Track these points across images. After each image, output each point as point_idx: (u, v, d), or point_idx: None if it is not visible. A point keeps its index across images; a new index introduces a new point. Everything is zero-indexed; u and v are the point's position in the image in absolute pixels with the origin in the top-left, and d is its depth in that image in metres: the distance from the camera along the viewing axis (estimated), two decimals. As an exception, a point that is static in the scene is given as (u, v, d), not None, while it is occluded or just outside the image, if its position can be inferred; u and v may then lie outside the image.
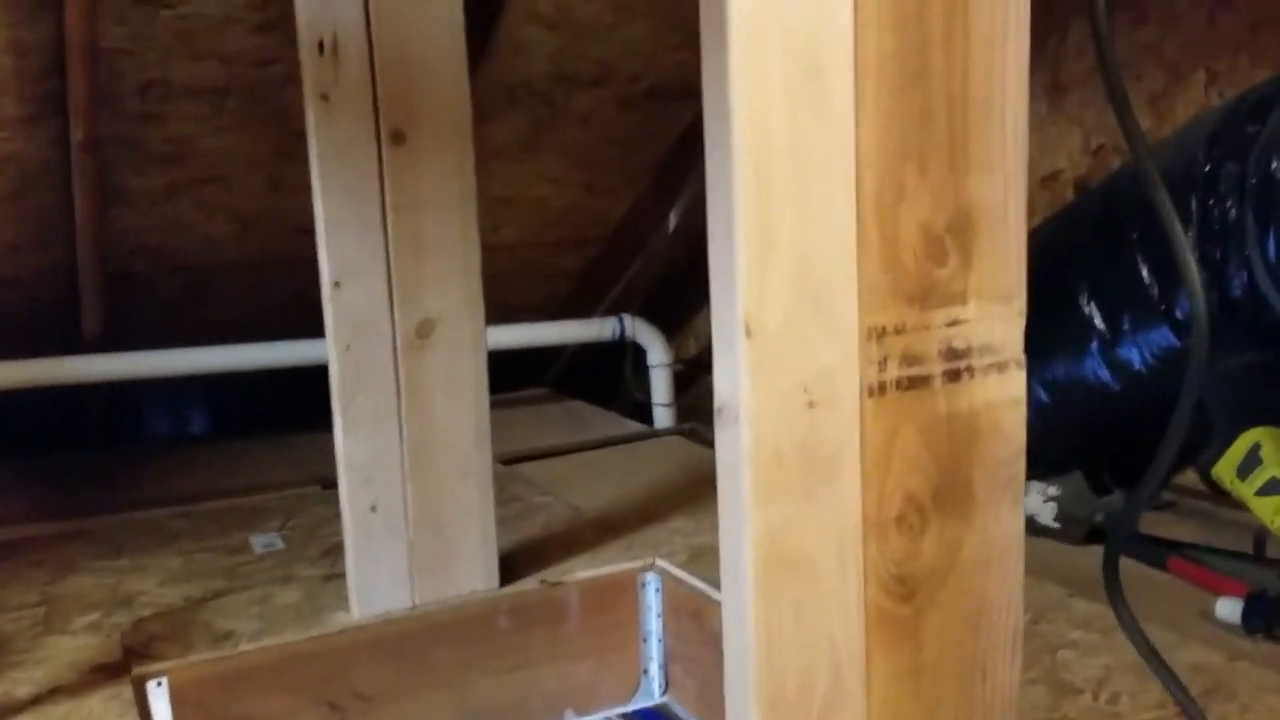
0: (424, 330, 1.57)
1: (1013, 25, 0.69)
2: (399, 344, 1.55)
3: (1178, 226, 1.01)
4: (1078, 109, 1.94)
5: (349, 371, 1.53)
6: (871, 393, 0.67)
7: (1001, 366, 0.72)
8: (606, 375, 3.10)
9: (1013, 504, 0.73)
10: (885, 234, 0.66)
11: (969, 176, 0.68)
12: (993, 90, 0.68)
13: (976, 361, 0.71)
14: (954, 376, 0.70)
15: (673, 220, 2.56)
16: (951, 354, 0.70)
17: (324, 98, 1.48)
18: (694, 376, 3.16)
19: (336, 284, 1.52)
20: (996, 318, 0.71)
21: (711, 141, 0.64)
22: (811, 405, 0.65)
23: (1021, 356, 0.73)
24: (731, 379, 0.64)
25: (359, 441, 1.55)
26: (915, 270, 0.68)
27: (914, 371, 0.68)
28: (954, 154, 0.68)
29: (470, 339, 1.60)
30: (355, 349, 1.54)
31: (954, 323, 0.70)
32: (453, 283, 1.58)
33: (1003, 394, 0.72)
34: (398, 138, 1.53)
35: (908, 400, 0.68)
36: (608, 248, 2.84)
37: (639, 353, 2.80)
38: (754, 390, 0.63)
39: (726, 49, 0.61)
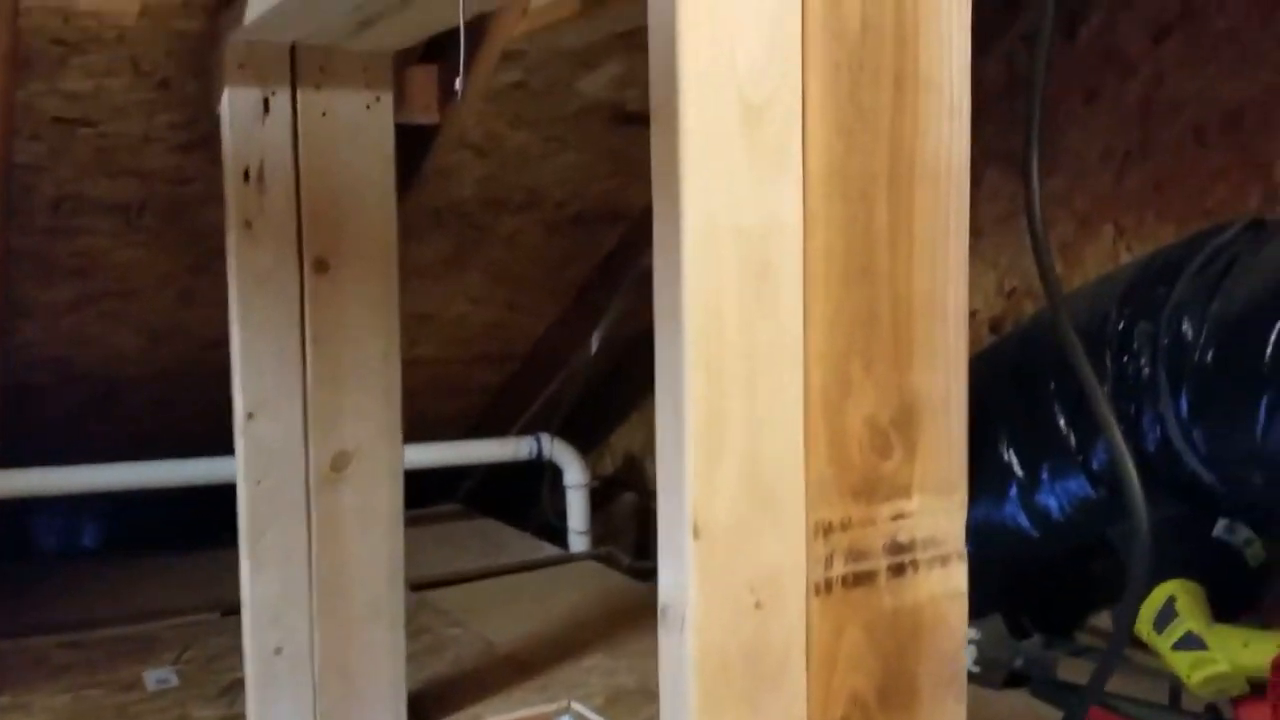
0: (339, 463, 1.53)
1: (954, 223, 0.70)
2: (312, 478, 1.51)
3: (1095, 384, 1.04)
4: (992, 252, 1.99)
5: (259, 506, 1.48)
6: (818, 591, 0.66)
7: (945, 560, 0.71)
8: (521, 492, 3.05)
9: (956, 700, 0.72)
10: (832, 429, 0.66)
11: (912, 371, 0.69)
12: (935, 286, 0.69)
13: (920, 555, 0.70)
14: (898, 571, 0.69)
15: (595, 342, 2.55)
16: (896, 548, 0.69)
17: (247, 225, 1.46)
18: (611, 493, 3.14)
19: (250, 415, 1.47)
20: (939, 510, 0.71)
21: (663, 339, 0.63)
22: (758, 606, 0.63)
23: (964, 549, 0.72)
24: (678, 580, 0.62)
25: (267, 579, 1.49)
26: (861, 464, 0.67)
27: (860, 567, 0.67)
28: (898, 349, 0.68)
29: (387, 472, 1.56)
30: (266, 483, 1.49)
31: (898, 516, 0.69)
32: (371, 413, 1.54)
33: (946, 587, 0.71)
34: (321, 266, 1.51)
35: (854, 597, 0.67)
36: (527, 364, 2.82)
37: (556, 472, 2.77)
38: (701, 593, 0.61)
39: (681, 251, 0.61)
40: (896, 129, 0.66)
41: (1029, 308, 1.95)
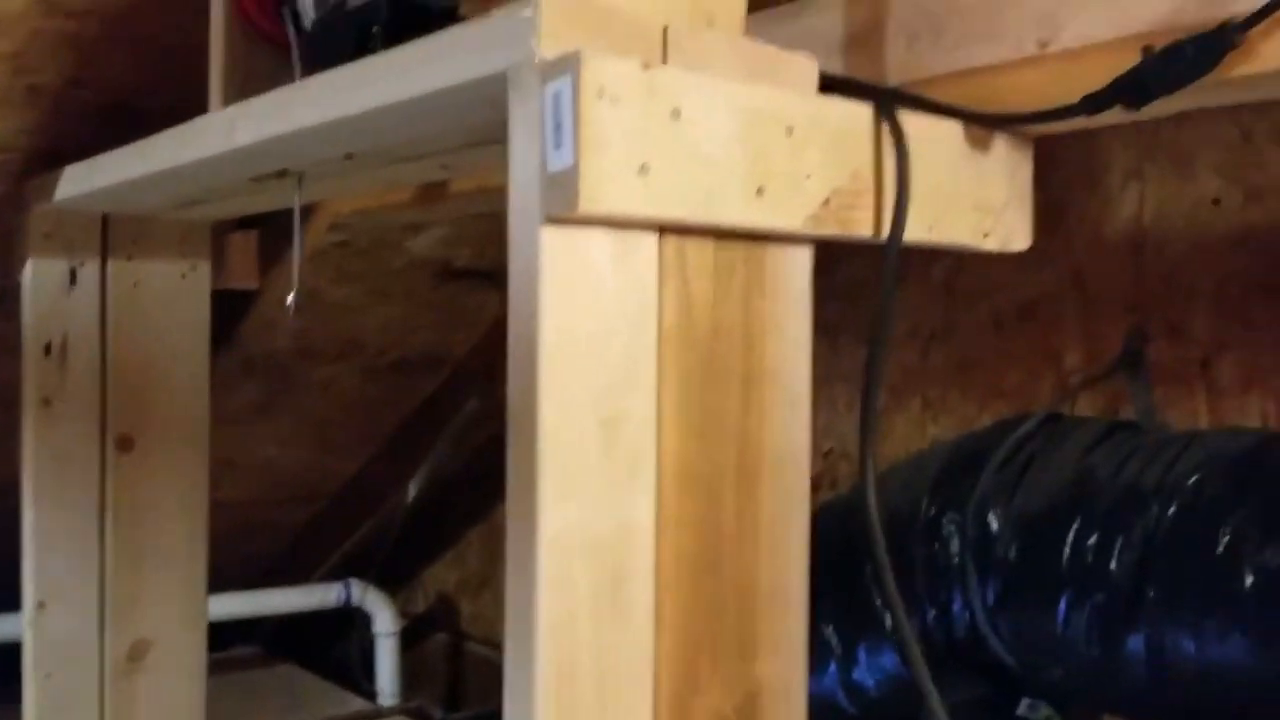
0: (137, 653, 1.43)
1: (796, 508, 0.72)
2: (107, 670, 1.41)
3: (886, 565, 1.06)
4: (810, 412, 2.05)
5: (47, 702, 1.37)
6: None
7: (786, 842, 0.71)
8: (326, 632, 2.93)
9: None
10: (679, 726, 0.66)
11: (756, 660, 0.69)
12: (778, 574, 0.70)
13: (763, 842, 0.70)
14: None
15: (413, 487, 2.50)
16: (740, 838, 0.69)
17: (45, 402, 1.37)
18: (422, 633, 3.04)
19: (40, 605, 1.37)
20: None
21: (514, 641, 0.62)
22: None
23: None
24: None
25: (52, 784, 1.37)
26: (706, 756, 0.67)
27: None
28: (743, 640, 0.69)
29: (188, 661, 1.47)
30: (57, 676, 1.38)
31: (742, 804, 0.69)
32: (173, 598, 1.46)
33: None
34: (125, 444, 1.43)
35: None
36: (337, 507, 2.73)
37: (365, 618, 2.67)
38: None
39: (535, 560, 0.60)
40: (743, 425, 0.68)
41: (844, 469, 2.02)
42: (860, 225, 0.70)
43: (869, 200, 0.70)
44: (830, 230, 0.68)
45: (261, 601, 2.56)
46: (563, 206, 0.57)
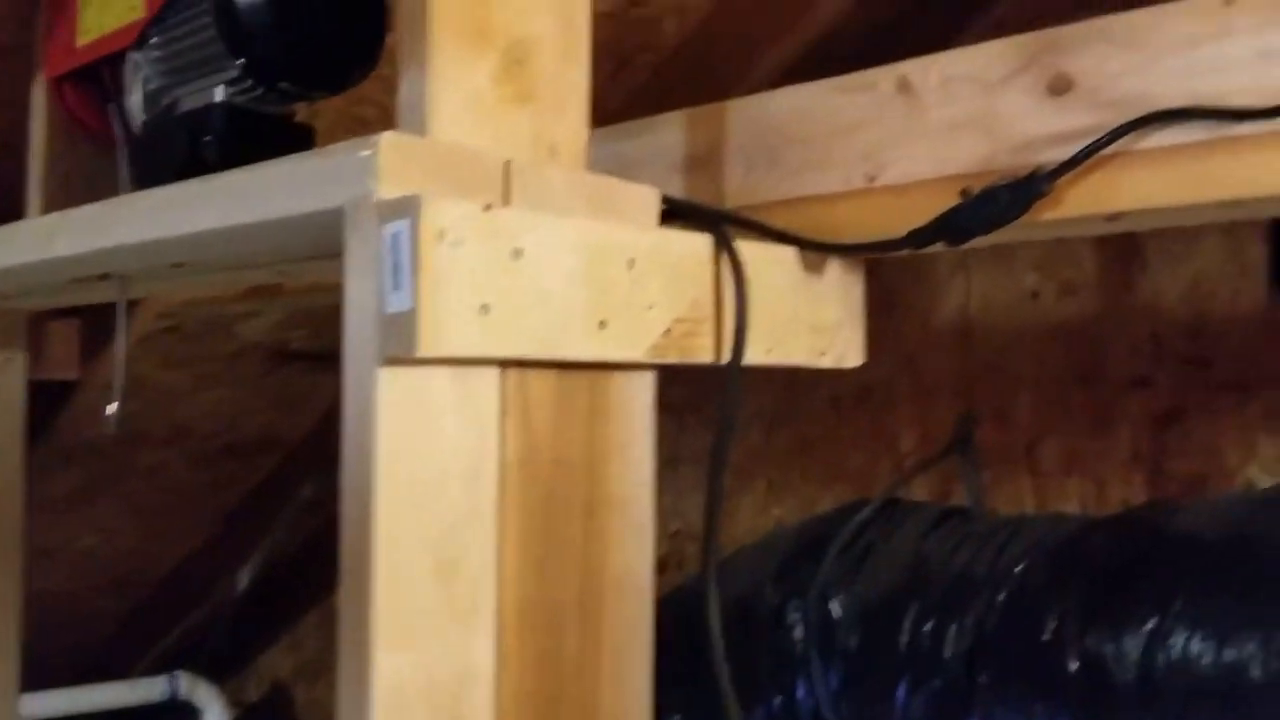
0: (-62, 777, 1.33)
1: (641, 635, 0.72)
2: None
3: (722, 658, 1.07)
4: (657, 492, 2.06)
5: None
6: None
7: None
8: (149, 724, 2.78)
9: None
10: None
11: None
12: (620, 705, 0.70)
13: None
14: None
15: (246, 576, 2.40)
16: None
17: None
18: (254, 723, 2.91)
19: None
20: None
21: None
22: None
23: None
24: None
25: None
26: None
27: None
28: (589, 775, 0.67)
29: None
30: None
31: None
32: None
33: None
34: (-71, 547, 1.33)
35: None
36: (163, 594, 2.60)
37: (193, 712, 2.54)
38: None
39: (369, 707, 0.58)
40: (586, 554, 0.67)
41: (691, 549, 2.03)
42: (701, 352, 0.71)
43: (709, 327, 0.71)
44: (671, 358, 0.69)
45: (83, 698, 2.41)
46: (401, 348, 0.56)
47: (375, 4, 0.89)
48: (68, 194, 1.04)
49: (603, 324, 0.65)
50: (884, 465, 1.77)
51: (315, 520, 2.38)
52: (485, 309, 0.59)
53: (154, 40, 0.93)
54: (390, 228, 0.57)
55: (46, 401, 1.64)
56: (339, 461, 0.60)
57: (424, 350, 0.56)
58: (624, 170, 0.78)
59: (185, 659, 2.62)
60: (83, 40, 1.01)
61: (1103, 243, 1.51)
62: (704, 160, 0.85)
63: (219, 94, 0.89)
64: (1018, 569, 1.28)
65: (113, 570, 2.45)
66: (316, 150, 0.63)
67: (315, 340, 2.00)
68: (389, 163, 0.58)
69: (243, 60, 0.85)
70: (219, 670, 2.67)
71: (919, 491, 1.70)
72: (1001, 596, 1.28)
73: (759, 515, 1.91)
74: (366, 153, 0.58)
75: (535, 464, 0.64)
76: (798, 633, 1.50)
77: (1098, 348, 1.51)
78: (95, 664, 2.66)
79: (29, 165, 1.06)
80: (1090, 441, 1.51)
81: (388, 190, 0.58)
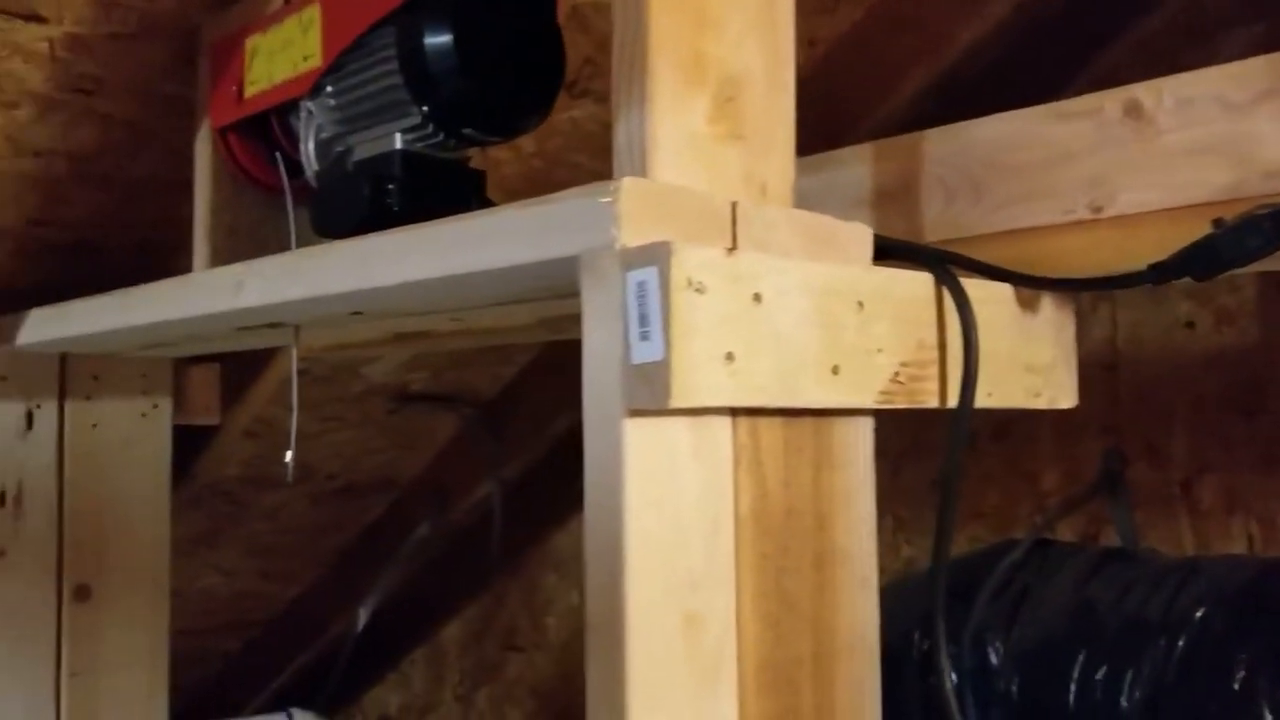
0: (93, 818, 1.33)
1: (870, 692, 0.68)
2: (61, 841, 1.30)
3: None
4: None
5: None
6: None
7: None
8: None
9: None
10: None
11: None
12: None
13: None
14: None
15: (363, 615, 2.40)
16: None
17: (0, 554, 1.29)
18: (363, 763, 2.91)
19: (-10, 773, 1.27)
20: None
21: None
22: None
23: None
24: None
25: None
26: None
27: None
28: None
29: (149, 826, 1.37)
30: None
31: None
32: (133, 755, 1.36)
33: None
34: (83, 593, 1.35)
35: None
36: (276, 633, 2.62)
37: (309, 753, 2.54)
38: None
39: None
40: (817, 609, 0.65)
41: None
42: (927, 396, 0.68)
43: (934, 370, 0.68)
44: (900, 403, 0.66)
45: (201, 740, 2.42)
46: (653, 399, 0.54)
47: (554, 50, 0.88)
48: (234, 244, 1.04)
49: (835, 369, 0.62)
50: (1024, 505, 1.71)
51: (428, 558, 2.38)
52: (730, 357, 0.57)
53: (329, 89, 0.93)
54: (635, 275, 0.55)
55: (184, 446, 1.65)
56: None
57: (676, 401, 0.54)
58: (802, 207, 0.75)
59: (299, 697, 2.62)
60: (251, 91, 1.01)
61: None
62: (895, 194, 0.83)
63: (397, 141, 0.88)
64: (1198, 614, 1.23)
65: (231, 610, 2.47)
66: (541, 198, 0.61)
67: (435, 382, 2.01)
68: (629, 209, 0.56)
69: (426, 107, 0.85)
70: (330, 708, 2.68)
71: (1063, 533, 1.64)
72: (1181, 643, 1.23)
73: (887, 554, 1.85)
74: (606, 199, 0.57)
75: (768, 515, 0.62)
76: (951, 679, 1.45)
77: (1260, 378, 1.44)
78: (211, 702, 2.68)
79: (195, 216, 1.06)
80: (1254, 477, 1.44)
81: (629, 237, 0.56)
